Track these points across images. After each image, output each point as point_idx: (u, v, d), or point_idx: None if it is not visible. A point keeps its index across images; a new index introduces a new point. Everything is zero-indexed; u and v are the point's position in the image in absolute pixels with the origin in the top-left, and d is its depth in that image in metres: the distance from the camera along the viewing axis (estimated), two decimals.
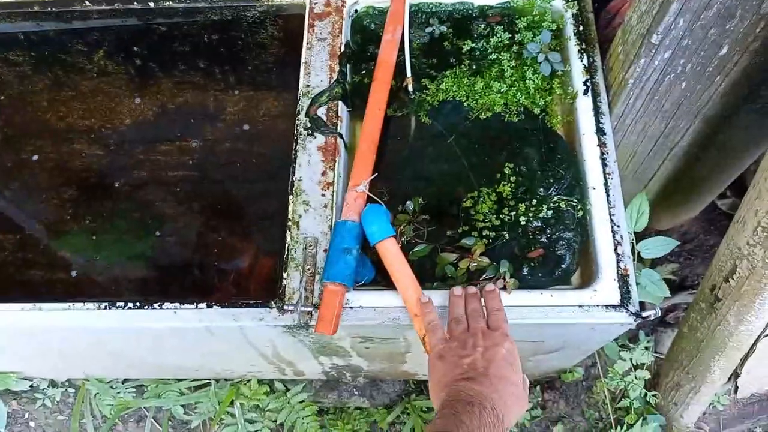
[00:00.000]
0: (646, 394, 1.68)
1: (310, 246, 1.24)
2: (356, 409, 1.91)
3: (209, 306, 1.21)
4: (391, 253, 1.17)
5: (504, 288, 1.19)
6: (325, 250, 1.23)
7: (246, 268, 1.63)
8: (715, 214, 2.23)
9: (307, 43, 1.44)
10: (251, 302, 1.21)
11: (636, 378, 1.64)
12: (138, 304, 1.22)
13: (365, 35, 1.51)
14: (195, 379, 1.92)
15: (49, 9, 1.56)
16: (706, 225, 2.21)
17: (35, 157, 1.71)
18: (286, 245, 1.25)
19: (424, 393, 1.94)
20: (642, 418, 1.71)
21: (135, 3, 1.54)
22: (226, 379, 1.86)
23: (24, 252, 1.70)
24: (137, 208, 1.73)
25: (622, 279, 1.20)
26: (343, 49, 1.43)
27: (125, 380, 1.95)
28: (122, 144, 1.74)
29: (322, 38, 1.44)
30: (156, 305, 1.21)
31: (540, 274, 1.25)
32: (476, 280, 1.23)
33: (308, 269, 1.22)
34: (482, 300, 1.14)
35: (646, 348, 1.63)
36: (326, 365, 1.61)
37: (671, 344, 1.61)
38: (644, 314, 1.14)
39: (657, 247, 1.36)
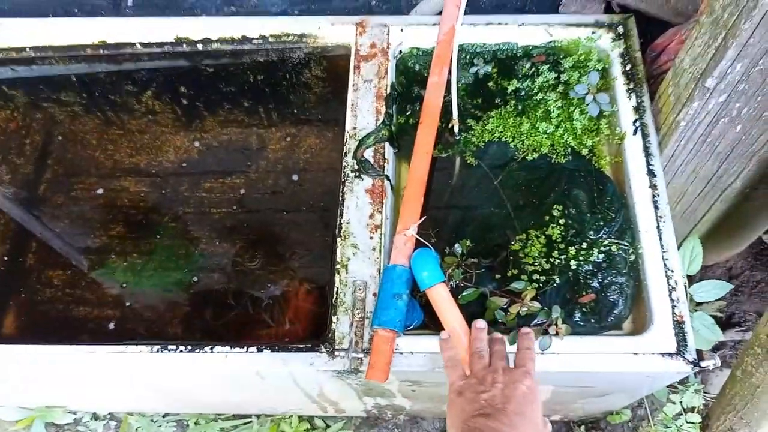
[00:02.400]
0: None
1: (359, 290, 1.24)
2: None
3: (260, 350, 1.21)
4: (442, 298, 1.16)
5: (556, 334, 1.17)
6: (374, 294, 1.23)
7: (287, 305, 1.65)
8: (760, 248, 2.18)
9: (353, 85, 1.46)
10: (301, 346, 1.21)
11: (687, 422, 1.60)
12: (189, 347, 1.23)
13: (409, 76, 1.53)
14: (234, 415, 1.92)
15: (101, 51, 1.60)
16: (752, 260, 2.16)
17: (100, 191, 1.75)
18: (335, 288, 1.25)
19: None
20: None
21: (184, 45, 1.57)
22: (267, 415, 1.85)
23: (72, 288, 1.74)
24: (182, 245, 1.77)
25: (678, 326, 1.18)
26: (388, 90, 1.44)
27: (165, 414, 1.96)
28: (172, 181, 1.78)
29: (368, 80, 1.46)
30: (207, 349, 1.22)
31: (592, 320, 1.23)
32: (528, 326, 1.21)
33: (357, 313, 1.21)
34: (508, 340, 1.14)
35: (696, 391, 1.59)
36: (369, 404, 1.60)
37: (723, 387, 1.57)
38: (703, 364, 1.11)
39: (710, 291, 1.33)
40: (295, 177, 1.73)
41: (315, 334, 1.53)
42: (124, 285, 1.72)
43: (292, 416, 1.80)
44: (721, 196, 1.40)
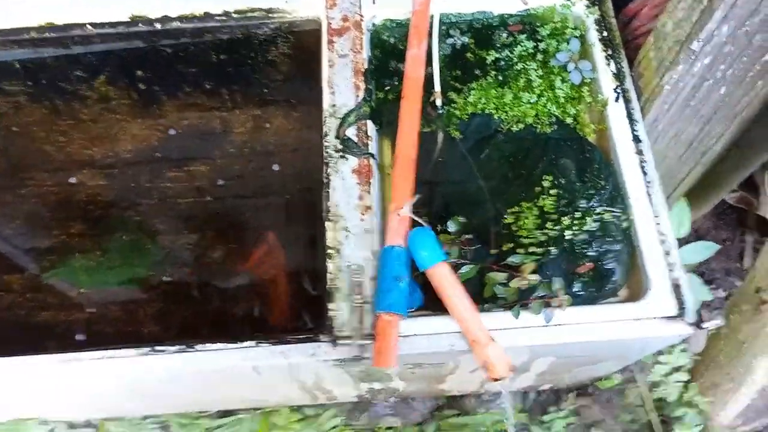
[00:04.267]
0: (681, 396, 1.67)
1: (356, 274, 1.19)
2: (387, 429, 1.87)
3: (257, 344, 1.15)
4: (445, 278, 1.13)
5: (559, 306, 1.16)
6: (371, 278, 1.19)
7: (266, 295, 1.59)
8: (723, 208, 2.25)
9: (329, 61, 1.39)
10: (300, 337, 1.16)
11: (674, 381, 1.64)
12: (180, 347, 1.16)
13: (385, 49, 1.47)
14: (219, 411, 1.85)
15: (47, 34, 1.47)
16: (716, 220, 2.23)
17: (72, 179, 1.62)
18: (328, 274, 1.20)
19: (454, 408, 1.91)
20: (677, 419, 1.70)
21: (140, 25, 1.46)
22: (254, 409, 1.79)
23: (33, 293, 1.63)
24: (147, 239, 1.67)
25: (676, 289, 1.19)
26: (366, 65, 1.38)
27: (145, 417, 1.87)
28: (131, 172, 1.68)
29: (344, 54, 1.40)
30: (199, 347, 1.15)
31: (591, 289, 1.22)
32: (528, 299, 1.20)
33: (357, 299, 1.17)
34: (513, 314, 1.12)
35: (683, 351, 1.63)
36: (363, 389, 1.57)
37: (706, 345, 1.61)
38: (705, 325, 1.13)
39: (698, 252, 1.35)
40: (267, 160, 1.66)
41: (301, 322, 1.48)
42: (85, 286, 1.61)
43: (281, 408, 1.75)
44: (701, 159, 1.42)
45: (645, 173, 1.28)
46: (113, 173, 1.70)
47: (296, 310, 1.49)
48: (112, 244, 1.66)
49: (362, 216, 1.24)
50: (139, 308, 1.59)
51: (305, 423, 1.82)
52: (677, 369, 1.66)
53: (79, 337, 1.54)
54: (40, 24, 1.46)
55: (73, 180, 1.69)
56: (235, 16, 1.46)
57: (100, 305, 1.60)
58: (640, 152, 1.30)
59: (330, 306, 1.17)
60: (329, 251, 1.22)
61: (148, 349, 1.17)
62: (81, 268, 1.64)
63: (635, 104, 1.35)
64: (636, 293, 1.24)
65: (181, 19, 1.46)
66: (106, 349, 1.18)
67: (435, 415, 1.92)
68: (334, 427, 1.83)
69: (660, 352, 1.69)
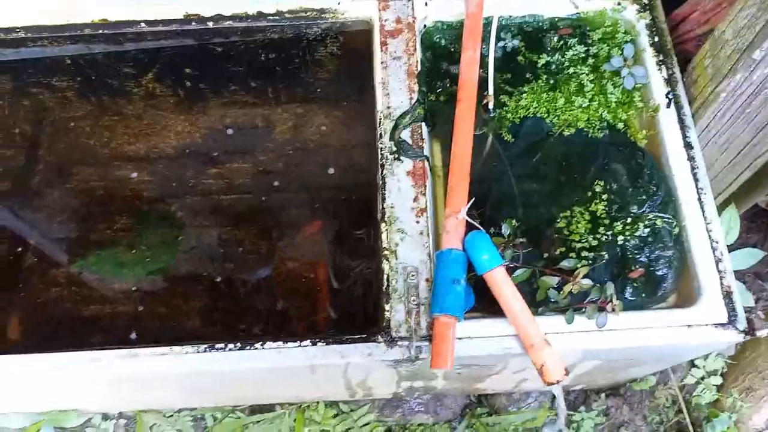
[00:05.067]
0: (715, 399, 1.69)
1: (411, 276, 1.21)
2: (419, 425, 1.90)
3: (313, 343, 1.17)
4: (503, 282, 1.14)
5: (612, 311, 1.18)
6: (426, 280, 1.21)
7: (310, 295, 1.60)
8: (754, 211, 2.25)
9: (382, 62, 1.40)
10: (356, 337, 1.18)
11: (708, 384, 1.66)
12: (239, 344, 1.18)
13: (435, 51, 1.48)
14: (252, 406, 1.88)
15: (101, 31, 1.49)
16: (747, 222, 2.23)
17: (134, 175, 1.62)
18: (385, 276, 1.22)
19: (485, 405, 1.93)
20: (708, 421, 1.72)
21: (193, 23, 1.47)
22: (290, 404, 1.82)
23: (78, 287, 1.65)
24: (190, 234, 1.69)
25: (727, 296, 1.20)
26: (419, 68, 1.39)
27: (180, 409, 1.90)
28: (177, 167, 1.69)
29: (397, 57, 1.41)
30: (258, 345, 1.17)
31: (643, 295, 1.24)
32: (580, 303, 1.21)
33: (413, 300, 1.19)
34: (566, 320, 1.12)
35: (719, 354, 1.65)
36: (403, 388, 1.59)
37: (742, 348, 1.63)
38: (759, 333, 1.14)
39: (744, 259, 1.36)
40: (313, 159, 1.67)
41: (349, 323, 1.50)
42: (135, 279, 1.63)
43: (318, 403, 1.78)
44: (750, 165, 1.43)
45: (697, 179, 1.29)
46: (158, 169, 1.71)
47: (343, 310, 1.51)
48: (156, 239, 1.68)
49: (417, 218, 1.26)
50: (183, 304, 1.61)
51: (340, 419, 1.85)
52: (712, 373, 1.68)
53: (129, 333, 1.56)
54: (94, 21, 1.47)
55: (118, 175, 1.70)
56: (287, 15, 1.47)
57: (144, 301, 1.62)
58: (691, 158, 1.31)
59: (386, 307, 1.19)
60: (385, 252, 1.23)
61: (206, 346, 1.19)
62: (126, 263, 1.66)
63: (687, 110, 1.35)
64: (685, 299, 1.25)
65: (234, 18, 1.47)
66: (165, 346, 1.20)
67: (466, 413, 1.95)
68: (367, 423, 1.85)
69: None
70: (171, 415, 1.88)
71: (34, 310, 1.58)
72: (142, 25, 1.47)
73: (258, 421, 1.80)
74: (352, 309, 1.50)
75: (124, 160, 1.71)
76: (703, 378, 1.67)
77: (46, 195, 1.71)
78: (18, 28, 1.48)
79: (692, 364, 1.70)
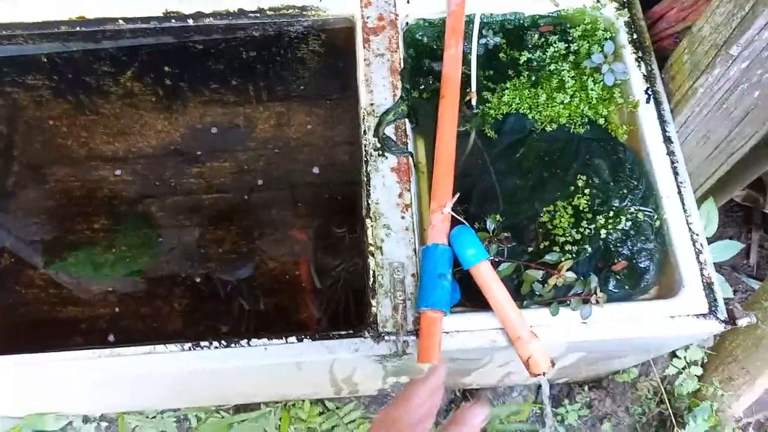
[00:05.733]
0: (695, 389, 1.73)
1: (397, 271, 1.21)
2: None
3: (299, 340, 1.17)
4: (488, 276, 1.15)
5: (597, 303, 1.19)
6: (412, 275, 1.21)
7: (293, 291, 1.60)
8: (730, 205, 2.30)
9: (365, 59, 1.40)
10: (342, 333, 1.18)
11: (689, 374, 1.69)
12: (224, 342, 1.17)
13: (418, 49, 1.48)
14: (236, 405, 1.87)
15: (78, 28, 1.46)
16: (723, 217, 2.28)
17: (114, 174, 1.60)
18: (371, 271, 1.22)
19: (470, 400, 1.94)
20: (690, 411, 1.75)
21: (173, 21, 1.46)
22: (275, 402, 1.81)
23: (56, 288, 1.62)
24: (171, 234, 1.67)
25: (708, 287, 1.22)
26: (402, 65, 1.40)
27: (163, 411, 1.88)
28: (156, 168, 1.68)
29: (380, 54, 1.41)
30: (244, 343, 1.16)
31: (626, 287, 1.26)
32: (564, 296, 1.22)
33: (399, 295, 1.19)
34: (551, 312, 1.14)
35: (699, 345, 1.68)
36: (389, 384, 1.59)
37: (721, 339, 1.66)
38: (739, 323, 1.16)
39: (723, 251, 1.39)
40: (295, 157, 1.67)
41: (336, 319, 1.50)
42: (109, 282, 1.61)
43: (304, 401, 1.77)
44: (728, 160, 1.46)
45: (677, 173, 1.31)
46: (137, 169, 1.69)
47: (328, 308, 1.51)
48: (135, 240, 1.66)
49: (402, 214, 1.26)
50: (164, 304, 1.60)
51: (326, 416, 1.84)
52: (692, 363, 1.71)
53: (109, 334, 1.54)
54: (71, 18, 1.45)
55: (96, 175, 1.68)
56: (269, 13, 1.46)
57: (124, 302, 1.60)
58: (671, 153, 1.33)
59: (372, 302, 1.19)
60: (370, 248, 1.23)
61: (191, 345, 1.18)
62: (104, 264, 1.64)
63: (666, 106, 1.38)
64: (667, 291, 1.27)
65: (214, 15, 1.46)
66: (149, 345, 1.18)
67: (451, 408, 1.95)
68: (353, 420, 1.85)
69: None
70: (154, 417, 1.85)
71: (10, 312, 1.56)
72: (121, 22, 1.45)
73: (243, 420, 1.78)
74: (337, 306, 1.50)
75: (102, 160, 1.69)
76: (684, 368, 1.70)
77: (20, 196, 1.68)
78: None
79: (673, 354, 1.73)
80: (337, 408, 1.84)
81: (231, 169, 1.70)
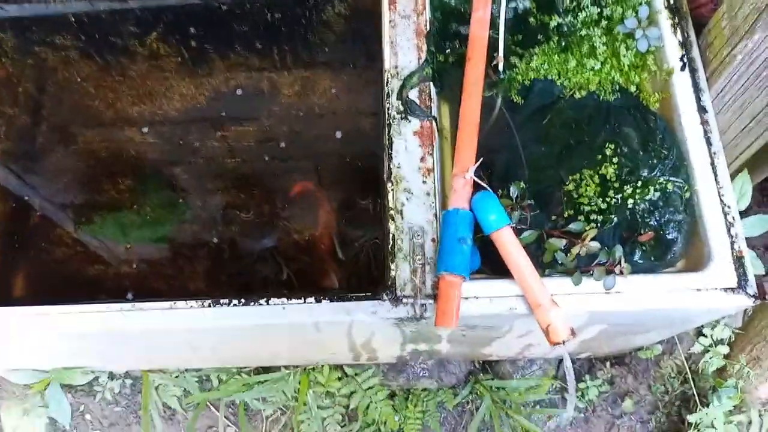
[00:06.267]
0: (721, 368, 1.69)
1: (417, 235, 1.20)
2: (423, 390, 1.91)
3: (318, 300, 1.17)
4: (509, 242, 1.13)
5: (621, 273, 1.17)
6: (432, 239, 1.20)
7: (314, 254, 1.60)
8: (766, 183, 2.22)
9: (390, 21, 1.37)
10: (361, 295, 1.18)
11: (715, 353, 1.65)
12: (243, 300, 1.18)
13: (445, 11, 1.44)
14: (257, 368, 1.89)
15: None
16: (759, 196, 2.20)
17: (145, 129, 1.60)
18: (390, 235, 1.21)
19: (489, 372, 1.94)
20: (714, 391, 1.72)
21: None
22: (294, 366, 1.83)
23: (81, 247, 1.65)
24: (194, 196, 1.68)
25: (738, 261, 1.19)
26: (428, 27, 1.37)
27: (186, 370, 1.92)
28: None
29: (406, 15, 1.38)
30: (263, 301, 1.17)
31: (652, 258, 1.22)
32: (587, 266, 1.20)
33: (418, 259, 1.18)
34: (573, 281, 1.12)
35: (727, 324, 1.64)
36: (407, 351, 1.59)
37: (750, 317, 1.62)
38: None
39: (756, 225, 1.35)
40: (318, 120, 1.66)
41: (352, 282, 1.50)
42: (132, 241, 1.63)
43: (323, 366, 1.78)
44: (764, 133, 1.40)
45: (710, 144, 1.27)
46: (162, 131, 1.70)
47: (349, 271, 1.51)
48: (159, 201, 1.68)
49: (424, 178, 1.25)
50: (186, 264, 1.62)
51: (344, 381, 1.86)
52: (719, 342, 1.67)
53: (129, 292, 1.57)
54: None
55: (122, 137, 1.70)
56: None
57: (146, 261, 1.63)
58: (705, 122, 1.29)
59: (391, 266, 1.18)
60: (390, 212, 1.22)
61: (210, 302, 1.19)
62: (128, 224, 1.66)
63: (701, 74, 1.33)
64: (694, 264, 1.24)
65: None
66: (170, 301, 1.20)
67: (470, 379, 1.95)
68: (371, 387, 1.86)
69: (702, 325, 1.70)
70: (177, 376, 1.89)
71: (37, 267, 1.59)
72: None
73: (262, 381, 1.81)
74: (359, 273, 1.50)
75: (128, 123, 1.71)
76: (710, 347, 1.67)
77: (48, 156, 1.71)
78: None
79: (699, 333, 1.69)
80: (356, 374, 1.85)
81: (254, 132, 1.70)
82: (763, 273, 1.38)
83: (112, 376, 1.93)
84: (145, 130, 1.70)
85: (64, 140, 1.70)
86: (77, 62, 1.70)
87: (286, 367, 1.84)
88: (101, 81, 1.72)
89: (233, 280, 1.62)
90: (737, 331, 1.67)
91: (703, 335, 1.67)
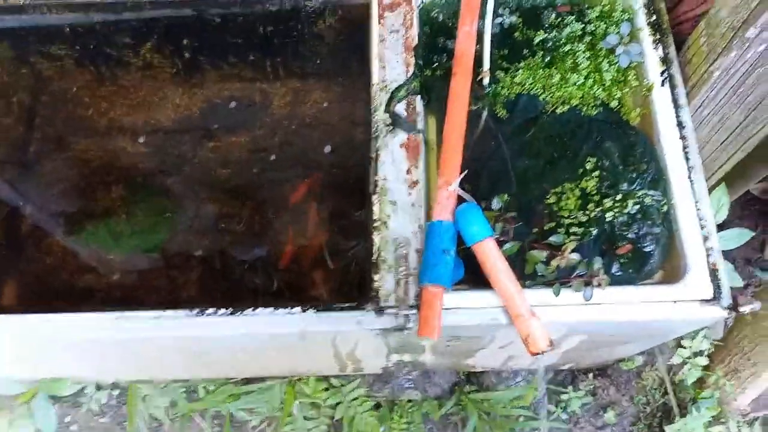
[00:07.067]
0: (700, 380, 1.71)
1: (402, 247, 1.22)
2: (408, 402, 1.92)
3: (304, 310, 1.19)
4: (492, 253, 1.16)
5: (599, 285, 1.19)
6: (416, 251, 1.22)
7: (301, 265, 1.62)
8: (746, 198, 2.26)
9: (379, 36, 1.40)
10: (345, 305, 1.19)
11: (693, 365, 1.68)
12: (230, 310, 1.19)
13: (433, 26, 1.48)
14: (244, 379, 1.89)
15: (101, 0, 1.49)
16: (739, 210, 2.24)
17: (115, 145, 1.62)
18: (375, 246, 1.23)
19: (474, 383, 1.95)
20: (694, 402, 1.74)
21: None
22: (281, 377, 1.84)
23: (71, 256, 1.66)
24: (186, 206, 1.70)
25: (713, 273, 1.21)
26: (416, 41, 1.40)
27: (174, 380, 1.92)
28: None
29: (395, 30, 1.41)
30: (249, 311, 1.19)
31: (630, 270, 1.25)
32: (567, 278, 1.22)
33: (402, 270, 1.20)
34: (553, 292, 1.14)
35: (705, 336, 1.67)
36: (391, 362, 1.61)
37: (729, 330, 1.64)
38: (742, 309, 1.15)
39: (734, 238, 1.37)
40: (308, 132, 1.68)
41: (337, 293, 1.52)
42: (121, 251, 1.65)
43: (309, 378, 1.79)
44: (742, 146, 1.44)
45: (688, 159, 1.30)
46: (155, 141, 1.72)
47: (334, 281, 1.53)
48: (151, 211, 1.70)
49: (410, 190, 1.27)
50: (177, 274, 1.63)
51: (330, 392, 1.87)
52: (698, 354, 1.70)
53: (119, 301, 1.58)
54: None
55: (115, 146, 1.71)
56: None
57: (136, 271, 1.64)
58: (683, 138, 1.32)
59: (375, 277, 1.20)
60: (376, 224, 1.24)
61: (198, 310, 1.20)
62: (119, 234, 1.67)
63: (681, 89, 1.36)
64: (671, 276, 1.27)
65: None
66: (157, 310, 1.21)
67: (455, 390, 1.96)
68: (356, 398, 1.87)
69: (681, 337, 1.72)
70: (164, 386, 1.90)
71: (27, 276, 1.60)
72: None
73: (249, 392, 1.81)
74: (348, 284, 1.51)
75: (121, 132, 1.73)
76: (689, 358, 1.69)
77: (41, 165, 1.72)
78: None
79: (679, 344, 1.71)
80: (342, 385, 1.86)
81: (245, 143, 1.72)
82: (742, 285, 1.41)
83: (98, 386, 1.93)
84: (141, 140, 1.72)
85: (57, 149, 1.72)
86: (72, 72, 1.72)
87: (273, 379, 1.85)
88: (95, 91, 1.74)
89: (222, 289, 1.63)
90: (716, 342, 1.70)
91: (683, 347, 1.69)
